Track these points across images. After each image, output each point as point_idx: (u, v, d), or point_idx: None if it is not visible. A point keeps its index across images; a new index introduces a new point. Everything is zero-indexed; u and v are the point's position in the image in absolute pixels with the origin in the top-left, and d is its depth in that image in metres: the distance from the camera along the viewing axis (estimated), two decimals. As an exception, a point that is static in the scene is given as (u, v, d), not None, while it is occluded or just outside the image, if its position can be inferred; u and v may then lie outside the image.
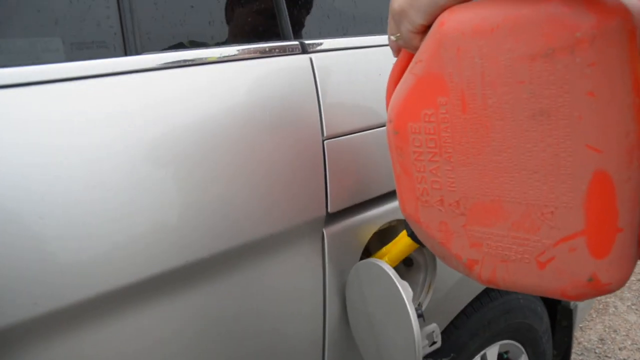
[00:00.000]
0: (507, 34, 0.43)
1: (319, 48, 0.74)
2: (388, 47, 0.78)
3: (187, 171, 0.59)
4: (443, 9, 0.47)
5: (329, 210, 0.72)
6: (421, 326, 0.73)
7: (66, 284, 0.52)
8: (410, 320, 0.67)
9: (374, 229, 0.78)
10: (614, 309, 2.35)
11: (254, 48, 0.68)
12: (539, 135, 0.44)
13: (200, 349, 0.65)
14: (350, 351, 0.81)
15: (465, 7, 0.46)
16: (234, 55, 0.66)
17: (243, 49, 0.67)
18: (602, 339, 2.15)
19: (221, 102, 0.62)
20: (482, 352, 1.11)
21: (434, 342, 0.74)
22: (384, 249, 0.76)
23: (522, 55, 0.42)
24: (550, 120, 0.42)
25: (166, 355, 0.62)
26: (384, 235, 0.81)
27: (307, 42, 0.73)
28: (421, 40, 0.51)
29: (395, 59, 0.60)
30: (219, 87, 0.63)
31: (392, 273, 0.70)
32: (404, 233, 0.71)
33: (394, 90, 0.60)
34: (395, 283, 0.69)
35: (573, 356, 2.04)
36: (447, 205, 0.52)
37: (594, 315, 2.32)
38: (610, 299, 2.43)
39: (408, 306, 0.67)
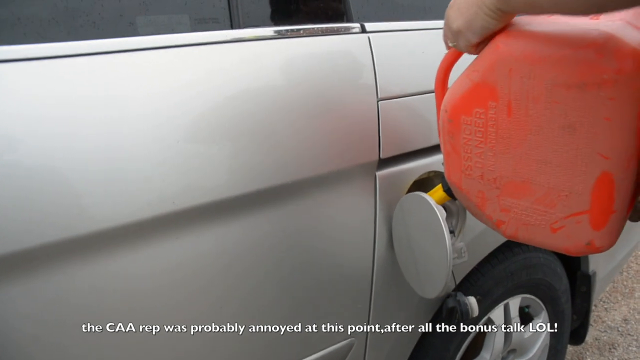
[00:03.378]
0: (551, 66, 0.58)
1: (375, 29, 0.89)
2: (429, 31, 0.92)
3: (271, 119, 0.76)
4: (493, 32, 0.62)
5: (380, 155, 0.89)
6: (452, 242, 0.88)
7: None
8: (443, 234, 0.84)
9: (415, 176, 0.97)
10: (639, 293, 2.45)
11: (323, 27, 0.84)
12: (565, 141, 0.60)
13: (264, 267, 0.83)
14: (394, 273, 1.00)
15: (517, 35, 0.61)
16: (308, 30, 0.82)
17: (315, 28, 0.83)
18: (625, 319, 2.27)
19: (300, 67, 0.80)
20: (505, 301, 1.25)
21: (462, 257, 0.92)
22: None
23: (561, 83, 0.58)
24: (574, 132, 0.59)
25: (245, 266, 0.80)
26: (421, 184, 0.98)
27: (365, 23, 0.87)
28: (476, 51, 0.65)
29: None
30: (299, 57, 0.80)
31: (430, 199, 0.86)
32: (439, 186, 0.88)
33: (443, 76, 0.75)
34: (432, 206, 0.85)
35: (596, 333, 2.19)
36: (486, 180, 0.69)
37: (619, 298, 2.43)
38: (636, 284, 2.53)
39: (442, 223, 0.84)
